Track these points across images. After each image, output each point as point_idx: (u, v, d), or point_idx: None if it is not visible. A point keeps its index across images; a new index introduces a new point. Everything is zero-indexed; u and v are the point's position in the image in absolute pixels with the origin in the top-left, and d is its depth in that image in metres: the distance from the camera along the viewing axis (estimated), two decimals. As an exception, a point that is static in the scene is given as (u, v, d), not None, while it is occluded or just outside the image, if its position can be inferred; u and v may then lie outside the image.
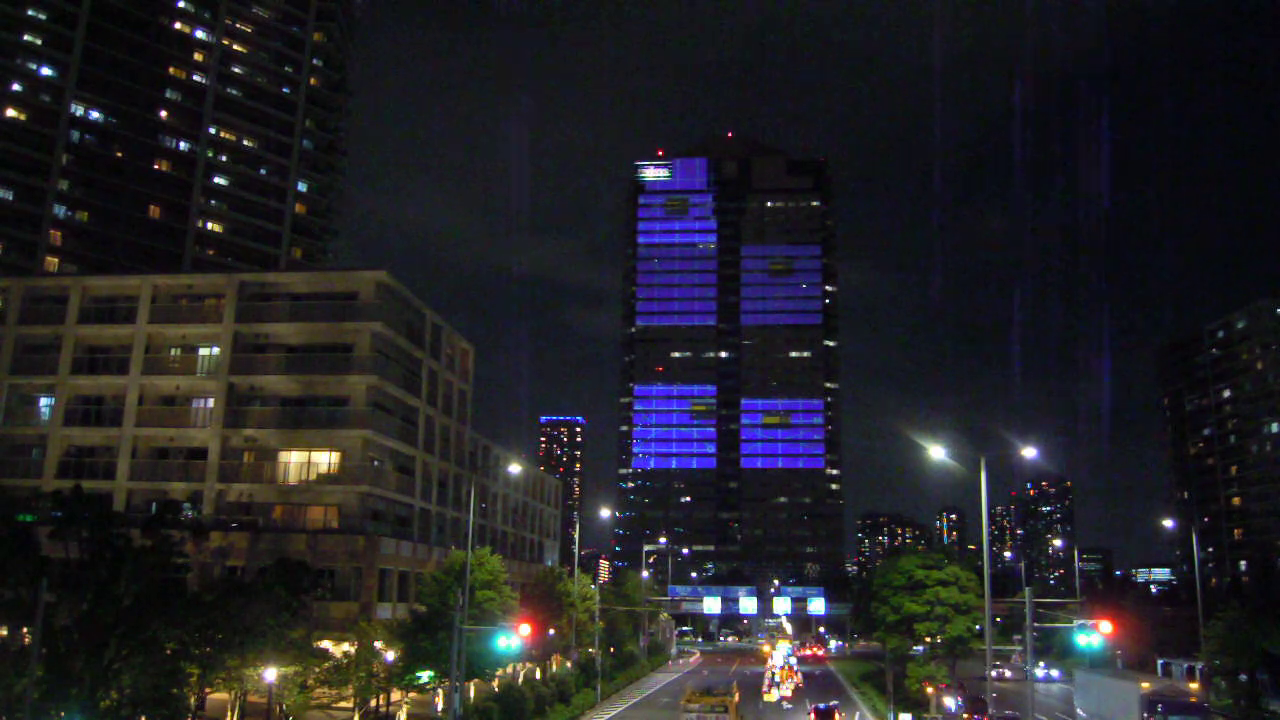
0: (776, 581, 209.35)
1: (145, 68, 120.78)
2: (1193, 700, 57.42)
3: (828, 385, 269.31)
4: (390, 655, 54.46)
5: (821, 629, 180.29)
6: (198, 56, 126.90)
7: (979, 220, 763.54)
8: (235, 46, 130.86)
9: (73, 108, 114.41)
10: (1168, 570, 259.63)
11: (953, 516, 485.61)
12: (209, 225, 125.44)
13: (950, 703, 63.55)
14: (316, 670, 49.76)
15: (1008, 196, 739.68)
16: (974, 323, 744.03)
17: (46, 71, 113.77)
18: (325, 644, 54.36)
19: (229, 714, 49.93)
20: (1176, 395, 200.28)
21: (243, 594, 44.80)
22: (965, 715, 60.63)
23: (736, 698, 59.07)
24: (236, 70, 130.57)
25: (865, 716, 69.11)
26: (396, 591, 66.23)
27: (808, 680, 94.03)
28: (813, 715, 57.59)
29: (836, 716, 56.80)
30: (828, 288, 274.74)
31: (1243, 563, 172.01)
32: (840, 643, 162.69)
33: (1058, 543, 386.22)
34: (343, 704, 53.88)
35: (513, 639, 51.27)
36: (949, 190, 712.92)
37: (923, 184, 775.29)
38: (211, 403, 68.17)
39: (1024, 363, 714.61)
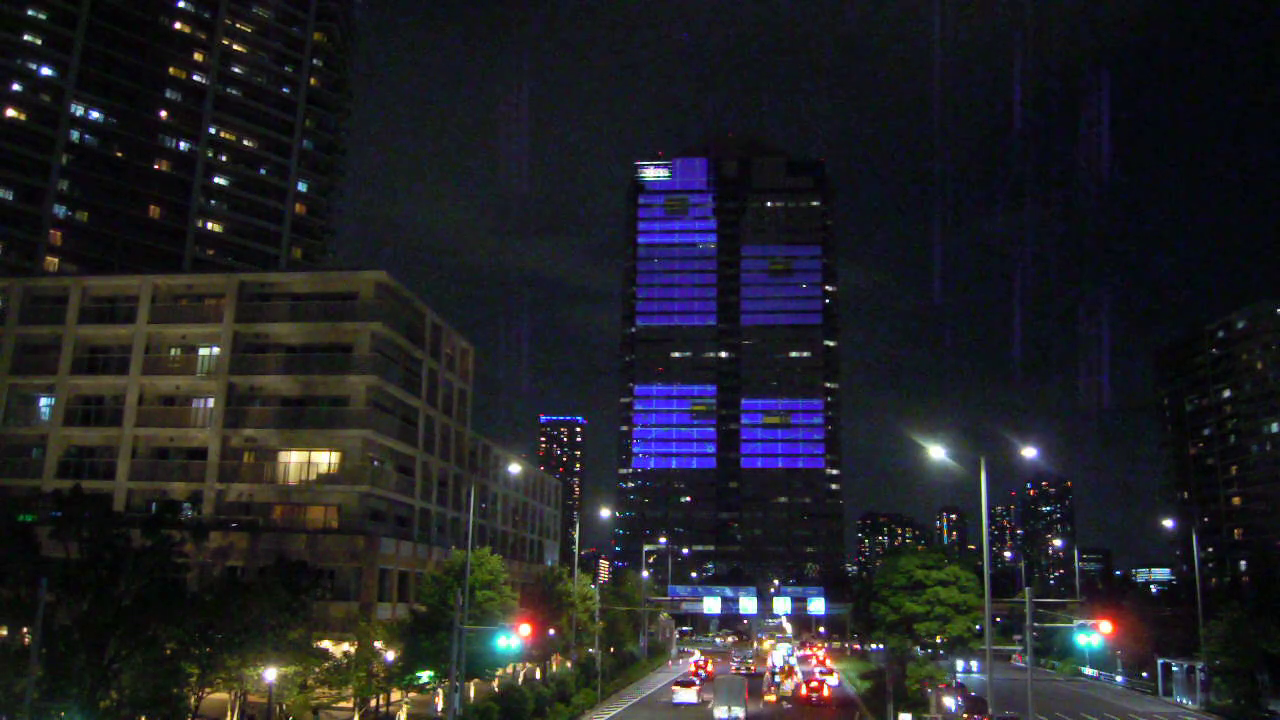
0: (776, 581, 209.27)
1: (145, 68, 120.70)
2: None
3: (828, 385, 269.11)
4: (390, 655, 54.44)
5: (821, 629, 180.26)
6: (198, 56, 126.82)
7: (979, 220, 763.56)
8: (235, 46, 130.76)
9: (73, 108, 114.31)
10: (1168, 570, 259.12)
11: (953, 516, 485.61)
12: (209, 225, 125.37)
13: (950, 703, 63.44)
14: (316, 670, 49.71)
15: (1008, 196, 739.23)
16: (974, 323, 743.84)
17: (46, 71, 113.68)
18: (325, 644, 54.33)
19: (229, 714, 49.92)
20: (1176, 395, 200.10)
21: (243, 594, 44.79)
22: (965, 715, 60.54)
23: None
24: (236, 70, 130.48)
25: (865, 716, 69.07)
26: (396, 591, 66.24)
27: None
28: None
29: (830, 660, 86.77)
30: (828, 288, 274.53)
31: (1243, 563, 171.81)
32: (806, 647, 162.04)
33: (1058, 543, 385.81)
34: (343, 704, 53.85)
35: (513, 639, 51.30)
36: (949, 190, 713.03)
37: (922, 184, 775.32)
38: (211, 403, 68.17)
39: (1024, 363, 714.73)
